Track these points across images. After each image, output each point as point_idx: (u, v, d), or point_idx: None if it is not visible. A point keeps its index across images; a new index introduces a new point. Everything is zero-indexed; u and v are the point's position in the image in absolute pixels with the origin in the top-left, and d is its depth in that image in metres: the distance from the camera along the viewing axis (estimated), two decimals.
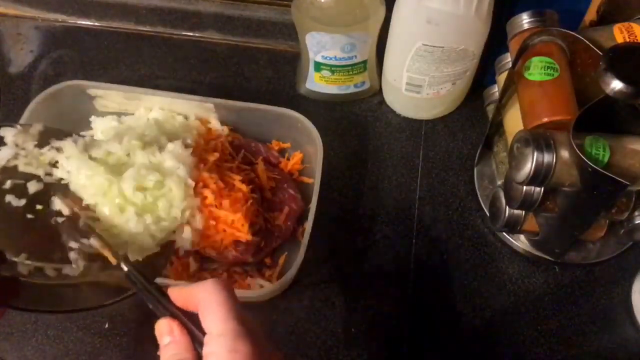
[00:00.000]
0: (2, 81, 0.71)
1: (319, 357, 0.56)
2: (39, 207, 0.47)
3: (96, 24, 0.76)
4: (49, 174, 0.50)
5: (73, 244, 0.46)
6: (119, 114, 0.63)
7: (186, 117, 0.62)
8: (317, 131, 0.59)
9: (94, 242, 0.46)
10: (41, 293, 0.43)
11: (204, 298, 0.36)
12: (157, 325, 0.38)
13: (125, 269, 0.42)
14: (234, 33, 0.75)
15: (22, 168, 0.49)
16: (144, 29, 0.76)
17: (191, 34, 0.75)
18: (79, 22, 0.76)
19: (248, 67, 0.73)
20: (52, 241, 0.46)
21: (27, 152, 0.50)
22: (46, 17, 0.76)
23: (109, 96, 0.62)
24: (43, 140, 0.51)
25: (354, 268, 0.59)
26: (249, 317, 0.37)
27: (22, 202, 0.47)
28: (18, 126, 0.51)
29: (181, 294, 0.38)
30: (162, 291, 0.39)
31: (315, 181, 0.57)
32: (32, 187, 0.48)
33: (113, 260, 0.44)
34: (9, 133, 0.50)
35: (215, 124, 0.62)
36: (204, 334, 0.36)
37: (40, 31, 0.76)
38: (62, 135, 0.53)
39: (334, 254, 0.60)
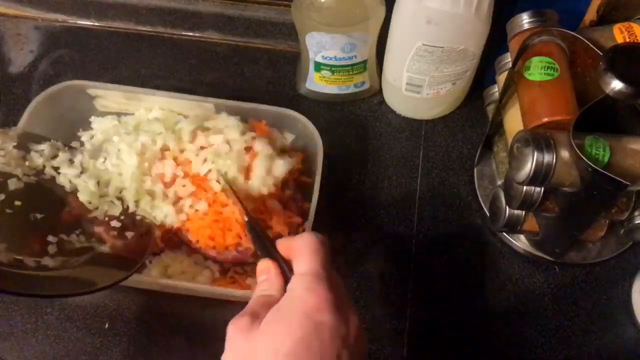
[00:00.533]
0: (2, 81, 0.72)
1: None
2: (17, 202, 0.50)
3: (96, 24, 0.76)
4: (27, 175, 0.53)
5: (51, 238, 0.49)
6: (118, 114, 0.63)
7: (186, 117, 0.62)
8: (317, 131, 0.59)
9: (74, 237, 0.50)
10: (19, 281, 0.46)
11: (299, 244, 0.41)
12: (258, 264, 0.43)
13: (246, 218, 0.48)
14: (234, 33, 0.75)
15: (0, 167, 0.52)
16: (144, 29, 0.76)
17: (191, 34, 0.75)
18: (79, 22, 0.76)
19: (248, 67, 0.73)
20: (31, 234, 0.50)
21: (6, 152, 0.53)
22: (46, 17, 0.76)
23: (109, 96, 0.62)
24: (22, 143, 0.54)
25: (354, 268, 0.59)
26: (335, 273, 0.41)
27: (1, 197, 0.50)
28: None
29: (286, 244, 0.43)
30: (272, 241, 0.44)
31: (315, 181, 0.57)
32: (12, 184, 0.51)
33: (242, 213, 0.50)
34: None
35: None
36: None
37: (40, 31, 0.76)
38: (40, 139, 0.56)
39: (334, 254, 0.60)
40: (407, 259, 0.60)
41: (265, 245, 0.44)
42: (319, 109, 0.69)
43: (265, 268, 0.42)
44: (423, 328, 0.57)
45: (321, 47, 0.62)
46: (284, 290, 0.40)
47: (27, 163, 0.54)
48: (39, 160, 0.54)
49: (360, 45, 0.62)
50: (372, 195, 0.64)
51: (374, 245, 0.61)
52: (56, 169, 0.55)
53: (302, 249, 0.40)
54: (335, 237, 0.61)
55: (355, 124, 0.68)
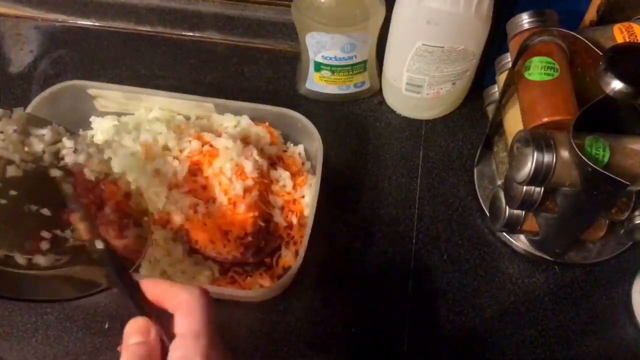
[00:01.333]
0: (2, 81, 0.72)
1: (319, 357, 0.56)
2: (12, 192, 0.46)
3: (96, 24, 0.76)
4: (25, 161, 0.48)
5: (45, 234, 0.45)
6: (119, 114, 0.63)
7: (187, 117, 0.62)
8: (317, 131, 0.59)
9: (68, 233, 0.45)
10: (9, 280, 0.42)
11: (188, 300, 0.34)
12: (133, 322, 0.35)
13: (102, 245, 0.41)
14: (234, 33, 0.75)
15: None
16: (144, 29, 0.76)
17: (191, 34, 0.75)
18: (79, 22, 0.76)
19: (248, 67, 0.73)
20: (24, 228, 0.45)
21: (6, 136, 0.48)
22: (46, 17, 0.76)
23: (109, 96, 0.62)
24: (23, 127, 0.50)
25: (353, 268, 0.59)
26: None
27: None
28: None
29: (158, 287, 0.36)
30: (136, 282, 0.37)
31: (315, 180, 0.57)
32: (10, 171, 0.47)
33: (92, 235, 0.42)
34: None
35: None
36: (172, 335, 0.34)
37: (40, 31, 0.76)
38: (43, 123, 0.51)
39: (334, 254, 0.60)
40: (407, 259, 0.60)
41: (133, 292, 0.35)
42: (319, 109, 0.69)
43: (143, 328, 0.34)
44: (423, 328, 0.57)
45: (321, 47, 0.62)
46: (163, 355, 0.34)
47: (25, 148, 0.49)
48: (38, 146, 0.49)
49: (360, 45, 0.62)
50: (372, 195, 0.64)
51: (374, 245, 0.61)
52: (57, 156, 0.50)
53: (193, 306, 0.34)
54: (336, 237, 0.61)
55: (355, 124, 0.68)
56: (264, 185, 0.58)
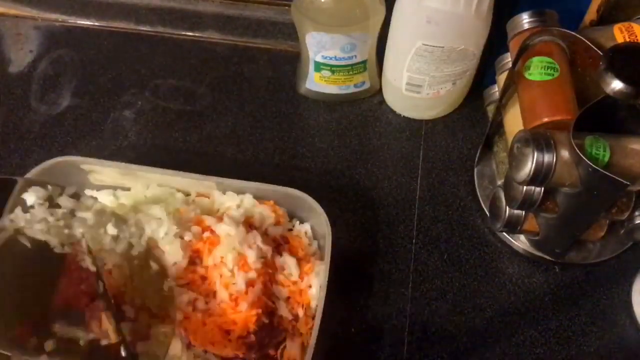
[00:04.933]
0: (2, 81, 0.72)
1: (319, 357, 0.55)
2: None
3: (96, 24, 0.76)
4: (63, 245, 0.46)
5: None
6: (114, 188, 0.59)
7: (186, 194, 0.58)
8: (324, 213, 0.55)
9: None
10: None
11: None
12: None
13: (124, 354, 0.38)
14: (234, 33, 0.75)
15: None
16: (144, 29, 0.76)
17: (191, 34, 0.75)
18: (79, 22, 0.76)
19: (248, 67, 0.73)
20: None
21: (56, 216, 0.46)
22: (46, 17, 0.76)
23: (103, 171, 0.58)
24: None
25: (353, 268, 0.59)
26: None
27: None
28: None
29: None
30: None
31: (323, 268, 0.53)
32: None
33: (117, 340, 0.41)
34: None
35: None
36: None
37: (40, 31, 0.76)
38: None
39: (334, 254, 0.60)
40: (407, 259, 0.60)
41: None
42: (319, 109, 0.69)
43: None
44: (423, 328, 0.57)
45: (321, 47, 0.62)
46: None
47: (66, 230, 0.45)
48: (78, 230, 0.47)
49: (360, 45, 0.62)
50: (372, 195, 0.64)
51: (374, 245, 0.61)
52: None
53: None
54: (335, 238, 0.61)
55: (355, 124, 0.68)
56: (268, 276, 0.54)
